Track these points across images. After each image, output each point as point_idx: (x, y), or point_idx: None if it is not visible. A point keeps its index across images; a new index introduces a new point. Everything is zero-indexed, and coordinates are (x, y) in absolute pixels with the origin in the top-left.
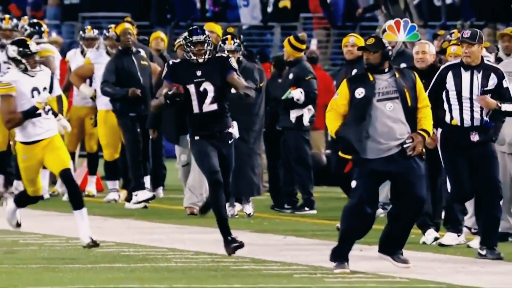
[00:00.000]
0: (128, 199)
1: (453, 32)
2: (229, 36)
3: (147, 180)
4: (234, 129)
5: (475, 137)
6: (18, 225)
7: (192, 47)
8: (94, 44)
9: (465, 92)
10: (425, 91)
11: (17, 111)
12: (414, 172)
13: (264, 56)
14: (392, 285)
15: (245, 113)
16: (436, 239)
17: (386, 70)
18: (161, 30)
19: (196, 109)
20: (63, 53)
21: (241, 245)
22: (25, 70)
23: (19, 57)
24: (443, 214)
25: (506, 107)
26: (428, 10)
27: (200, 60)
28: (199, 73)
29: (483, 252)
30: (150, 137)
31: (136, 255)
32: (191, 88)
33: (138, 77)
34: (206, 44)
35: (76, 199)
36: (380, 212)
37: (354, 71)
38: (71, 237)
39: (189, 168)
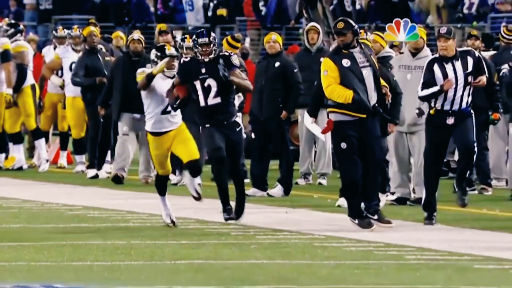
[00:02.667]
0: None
1: (361, 32)
2: (187, 36)
3: (108, 154)
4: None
5: (450, 121)
6: (197, 198)
7: (199, 47)
8: (65, 42)
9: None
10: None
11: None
12: (375, 130)
13: None
14: (311, 241)
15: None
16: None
17: (356, 45)
18: (120, 30)
19: (202, 103)
20: (39, 49)
21: (232, 218)
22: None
23: (156, 59)
24: None
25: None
26: (341, 14)
27: (206, 59)
28: (203, 70)
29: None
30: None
31: (100, 217)
32: (197, 84)
33: (103, 71)
34: (211, 45)
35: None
36: (301, 181)
37: (277, 64)
38: (45, 202)
39: (130, 138)
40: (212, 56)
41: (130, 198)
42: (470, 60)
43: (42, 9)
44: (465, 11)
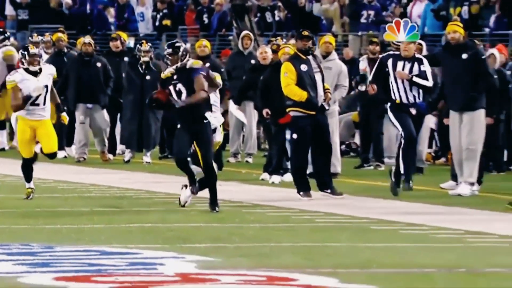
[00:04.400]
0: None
1: (277, 39)
2: (144, 41)
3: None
4: (212, 118)
5: (413, 111)
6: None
7: (169, 57)
8: (39, 46)
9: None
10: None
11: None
12: (326, 123)
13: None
14: (240, 208)
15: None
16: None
17: (310, 53)
18: (83, 37)
19: (176, 104)
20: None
21: (194, 192)
22: None
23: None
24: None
25: (416, 79)
26: (264, 25)
27: (174, 67)
28: (175, 77)
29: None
30: None
31: (68, 188)
32: (171, 88)
33: (76, 69)
34: (175, 55)
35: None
36: (232, 159)
37: (207, 65)
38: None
39: (85, 126)
40: (179, 63)
41: (92, 173)
42: (416, 65)
43: (20, 19)
44: (363, 21)
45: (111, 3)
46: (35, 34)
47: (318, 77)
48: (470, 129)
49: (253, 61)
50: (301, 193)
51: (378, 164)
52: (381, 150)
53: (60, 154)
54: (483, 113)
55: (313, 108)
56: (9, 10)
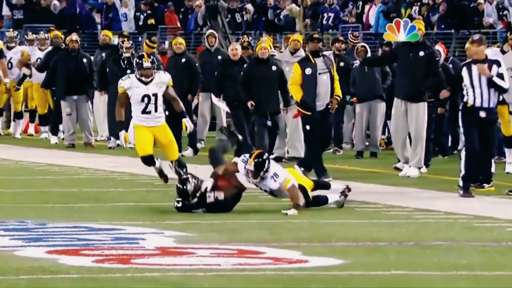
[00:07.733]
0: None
1: (244, 37)
2: (125, 39)
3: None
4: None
5: (483, 114)
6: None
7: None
8: (33, 43)
9: (475, 81)
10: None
11: None
12: (329, 121)
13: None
14: None
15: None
16: None
17: (320, 54)
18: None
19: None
20: None
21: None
22: None
23: None
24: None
25: (495, 79)
26: (234, 24)
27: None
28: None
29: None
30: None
31: (59, 171)
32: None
33: (64, 63)
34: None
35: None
36: (199, 145)
37: (183, 60)
38: (19, 160)
39: (72, 116)
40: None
41: (80, 157)
42: (494, 68)
43: (16, 18)
44: (324, 22)
45: (99, 4)
46: (30, 33)
47: (325, 77)
48: (416, 118)
49: (219, 57)
50: (324, 177)
51: (336, 149)
52: (340, 137)
53: (53, 140)
54: (425, 105)
55: (308, 109)
56: (5, 10)
